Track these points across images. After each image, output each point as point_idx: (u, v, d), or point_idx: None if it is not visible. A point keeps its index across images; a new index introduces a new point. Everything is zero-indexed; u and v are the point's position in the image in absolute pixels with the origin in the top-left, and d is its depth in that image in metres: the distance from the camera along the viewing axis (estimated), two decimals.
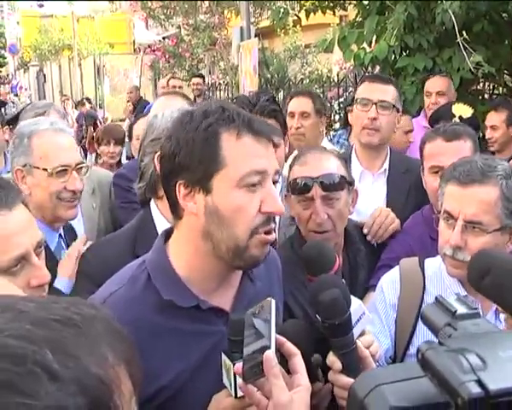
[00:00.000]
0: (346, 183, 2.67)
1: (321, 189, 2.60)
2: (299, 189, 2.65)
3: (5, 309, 0.79)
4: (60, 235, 3.10)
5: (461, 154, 2.82)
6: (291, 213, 2.79)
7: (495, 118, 5.65)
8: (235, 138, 1.74)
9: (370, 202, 3.23)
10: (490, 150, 5.48)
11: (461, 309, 0.81)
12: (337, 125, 10.34)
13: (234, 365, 1.64)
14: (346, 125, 7.02)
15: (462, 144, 3.06)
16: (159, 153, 1.94)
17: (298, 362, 1.59)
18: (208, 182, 1.74)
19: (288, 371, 1.61)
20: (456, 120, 4.48)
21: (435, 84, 5.77)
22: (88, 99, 19.51)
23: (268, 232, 1.79)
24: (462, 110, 4.60)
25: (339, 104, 10.96)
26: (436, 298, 0.86)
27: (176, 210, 1.84)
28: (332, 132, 9.48)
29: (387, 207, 3.36)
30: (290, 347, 1.61)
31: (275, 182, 1.81)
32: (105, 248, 2.65)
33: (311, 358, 1.84)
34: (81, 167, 3.04)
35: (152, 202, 2.69)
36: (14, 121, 5.19)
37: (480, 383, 0.69)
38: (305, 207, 2.66)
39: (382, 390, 0.81)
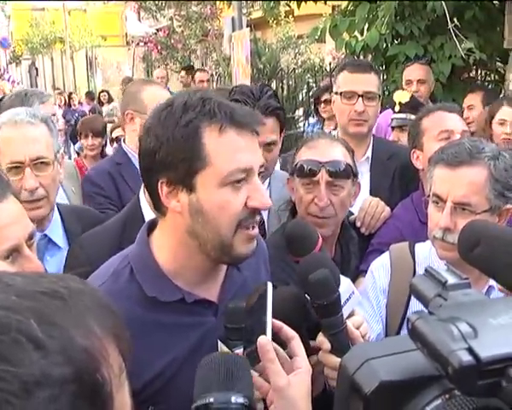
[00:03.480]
0: (352, 173, 2.69)
1: (327, 174, 2.62)
2: (305, 172, 2.66)
3: None
4: (45, 235, 2.89)
5: (462, 122, 3.33)
6: (293, 196, 2.80)
7: (471, 98, 5.71)
8: (218, 134, 1.69)
9: None
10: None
11: (451, 279, 0.80)
12: None
13: (232, 352, 1.64)
14: (315, 115, 7.12)
15: (459, 117, 3.36)
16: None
17: (296, 345, 1.58)
18: (191, 180, 1.69)
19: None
20: (397, 107, 4.62)
21: (416, 72, 5.71)
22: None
23: (252, 227, 1.77)
24: (401, 96, 4.67)
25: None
26: (426, 269, 0.84)
27: (159, 207, 1.79)
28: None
29: (371, 194, 3.39)
30: (287, 331, 1.59)
31: (259, 173, 1.78)
32: (93, 240, 2.59)
33: (301, 326, 1.81)
34: (42, 162, 2.77)
35: (141, 191, 2.66)
36: None
37: (470, 351, 0.68)
38: (308, 191, 2.67)
39: (373, 365, 0.80)
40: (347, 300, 1.87)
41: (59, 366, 0.72)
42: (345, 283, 1.88)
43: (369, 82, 3.60)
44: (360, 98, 3.53)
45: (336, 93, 3.67)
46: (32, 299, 0.76)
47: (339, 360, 1.72)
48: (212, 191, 1.69)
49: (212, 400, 1.33)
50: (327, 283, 1.73)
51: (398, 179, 3.53)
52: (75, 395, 0.72)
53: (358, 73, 3.61)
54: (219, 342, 1.72)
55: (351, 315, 1.88)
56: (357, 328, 1.85)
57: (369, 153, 3.64)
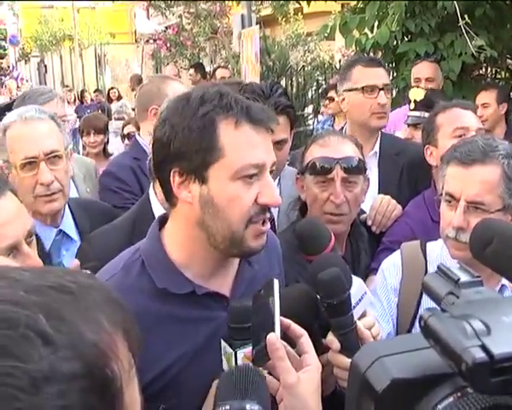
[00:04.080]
0: (363, 168, 2.69)
1: (342, 171, 2.61)
2: (319, 169, 2.65)
3: None
4: (60, 230, 2.94)
5: (477, 120, 3.32)
6: (303, 195, 2.79)
7: (485, 96, 5.70)
8: (234, 127, 1.70)
9: None
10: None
11: (464, 277, 0.80)
12: None
13: (235, 353, 1.65)
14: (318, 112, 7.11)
15: (474, 114, 3.35)
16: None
17: (305, 342, 1.58)
18: (204, 171, 1.70)
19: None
20: (412, 104, 4.61)
21: (424, 70, 5.65)
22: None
23: (263, 222, 1.77)
24: (416, 94, 4.65)
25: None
26: (438, 267, 0.84)
27: (170, 198, 1.81)
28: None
29: (380, 189, 3.41)
30: (296, 328, 1.60)
31: (271, 171, 1.79)
32: (102, 238, 2.62)
33: (312, 324, 1.80)
34: (55, 156, 2.82)
35: (151, 188, 2.67)
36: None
37: (484, 348, 0.68)
38: (323, 189, 2.66)
39: (384, 362, 0.80)
40: (359, 300, 1.86)
41: (68, 361, 0.71)
42: (357, 283, 1.87)
43: (385, 75, 3.66)
44: (381, 91, 3.55)
45: (351, 89, 3.64)
46: (40, 294, 0.76)
47: (349, 360, 1.71)
48: (224, 184, 1.70)
49: (227, 407, 1.35)
50: (336, 281, 1.72)
51: (407, 175, 3.52)
52: (84, 391, 0.72)
53: (373, 67, 3.64)
54: (222, 342, 1.72)
55: (363, 316, 1.87)
56: (369, 329, 1.84)
57: (376, 147, 3.63)
